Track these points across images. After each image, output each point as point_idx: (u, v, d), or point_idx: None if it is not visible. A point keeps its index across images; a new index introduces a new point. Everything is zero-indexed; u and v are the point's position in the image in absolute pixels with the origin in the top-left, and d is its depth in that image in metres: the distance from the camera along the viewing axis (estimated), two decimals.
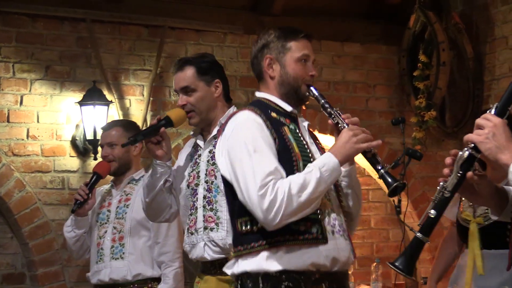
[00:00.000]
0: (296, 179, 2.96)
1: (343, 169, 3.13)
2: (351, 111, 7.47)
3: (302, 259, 3.00)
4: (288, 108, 3.25)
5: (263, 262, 3.03)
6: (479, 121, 2.48)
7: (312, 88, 3.24)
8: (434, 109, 7.11)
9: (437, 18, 7.20)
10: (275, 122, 3.16)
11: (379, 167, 3.07)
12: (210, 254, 3.77)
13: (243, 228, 3.09)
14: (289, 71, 3.23)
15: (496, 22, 6.97)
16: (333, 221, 3.08)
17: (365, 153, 3.10)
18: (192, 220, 3.86)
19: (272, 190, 2.92)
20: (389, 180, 3.03)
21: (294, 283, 3.00)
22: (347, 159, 3.07)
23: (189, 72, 3.92)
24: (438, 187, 2.49)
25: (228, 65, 6.71)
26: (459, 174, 2.49)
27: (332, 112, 3.21)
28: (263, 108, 3.21)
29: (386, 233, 7.58)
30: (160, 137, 3.86)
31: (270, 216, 2.92)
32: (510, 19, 6.92)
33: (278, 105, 3.25)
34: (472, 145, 2.49)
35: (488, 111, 2.52)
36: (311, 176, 2.96)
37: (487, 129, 2.45)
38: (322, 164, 2.99)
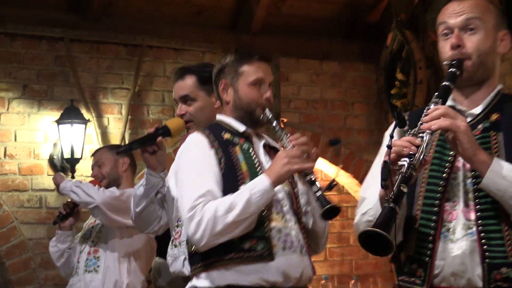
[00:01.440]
0: (224, 201, 2.98)
1: (301, 187, 3.17)
2: (329, 129, 7.58)
3: (249, 276, 3.00)
4: (241, 128, 3.22)
5: (213, 279, 3.06)
6: (448, 110, 2.43)
7: (266, 111, 3.20)
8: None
9: (414, 36, 7.24)
10: (226, 143, 3.16)
11: (315, 189, 3.04)
12: (188, 269, 3.74)
13: (192, 248, 3.12)
14: (242, 96, 3.21)
15: None
16: (284, 237, 3.04)
17: (303, 175, 3.10)
18: (178, 233, 3.81)
19: (199, 212, 2.97)
20: (324, 202, 3.00)
21: None
22: (280, 180, 3.01)
23: (190, 81, 3.79)
24: (405, 163, 2.38)
25: None
26: (423, 154, 2.40)
27: (281, 134, 3.19)
28: (216, 130, 3.22)
29: (365, 250, 7.55)
30: (156, 146, 3.79)
31: (197, 237, 2.98)
32: None
33: (231, 126, 3.24)
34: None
35: (433, 105, 2.48)
36: (239, 198, 2.96)
37: (463, 122, 2.43)
38: (253, 186, 2.98)
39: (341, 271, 7.29)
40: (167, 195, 3.81)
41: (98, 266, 4.74)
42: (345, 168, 7.33)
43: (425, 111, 2.47)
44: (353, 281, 6.73)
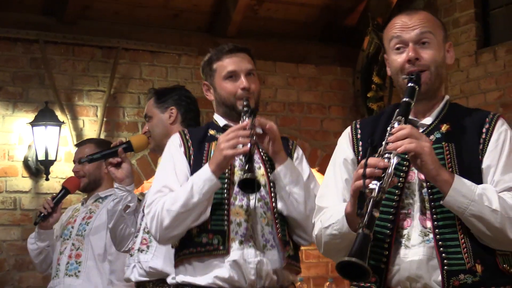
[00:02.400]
0: (171, 194, 3.03)
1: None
2: (306, 132, 7.59)
3: (206, 274, 3.02)
4: (222, 123, 3.26)
5: (181, 275, 3.11)
6: (413, 131, 2.46)
7: (243, 100, 3.17)
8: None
9: None
10: (207, 139, 3.20)
11: (243, 162, 2.98)
12: (135, 276, 3.77)
13: (174, 244, 3.17)
14: (220, 92, 3.24)
15: None
16: (243, 230, 3.04)
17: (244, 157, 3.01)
18: (134, 242, 3.86)
19: (154, 208, 3.04)
20: (246, 173, 2.90)
21: None
22: (220, 166, 2.98)
23: (150, 100, 4.00)
24: (374, 187, 2.39)
25: None
26: (391, 177, 2.42)
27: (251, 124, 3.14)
28: (204, 127, 3.30)
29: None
30: (120, 159, 3.87)
31: (152, 233, 3.07)
32: (461, 41, 7.02)
33: (217, 122, 3.29)
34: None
35: (397, 124, 2.49)
36: (183, 189, 3.00)
37: (428, 143, 2.46)
38: (196, 176, 3.01)
39: (317, 273, 7.30)
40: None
41: (79, 271, 4.72)
42: (322, 171, 7.33)
43: (388, 129, 2.49)
44: (328, 283, 6.74)
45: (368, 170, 2.38)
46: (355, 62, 7.58)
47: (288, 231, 3.16)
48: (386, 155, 2.41)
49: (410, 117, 2.62)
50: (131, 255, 3.84)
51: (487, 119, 2.64)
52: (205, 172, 3.00)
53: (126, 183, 3.89)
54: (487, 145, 2.59)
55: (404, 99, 2.55)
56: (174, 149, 3.20)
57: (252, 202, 3.11)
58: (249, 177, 2.87)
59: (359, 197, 2.41)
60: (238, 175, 3.10)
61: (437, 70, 2.64)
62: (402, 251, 2.53)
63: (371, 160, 2.40)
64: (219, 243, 3.02)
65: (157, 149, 3.96)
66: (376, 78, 7.31)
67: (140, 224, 3.86)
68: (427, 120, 2.66)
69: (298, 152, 3.34)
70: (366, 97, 7.39)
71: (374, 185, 2.35)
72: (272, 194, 3.13)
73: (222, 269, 3.01)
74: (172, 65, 6.87)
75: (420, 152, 2.41)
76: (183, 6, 6.94)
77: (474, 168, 2.56)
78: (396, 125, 2.48)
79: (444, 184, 2.45)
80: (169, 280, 3.24)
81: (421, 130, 2.62)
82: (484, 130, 2.61)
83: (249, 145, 2.94)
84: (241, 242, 3.03)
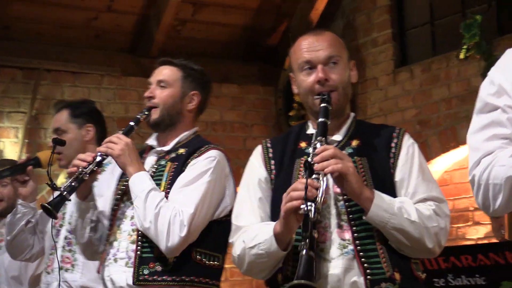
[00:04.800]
0: None
1: None
2: (229, 151, 7.58)
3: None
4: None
5: None
6: (336, 151, 2.49)
7: (143, 110, 3.27)
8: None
9: None
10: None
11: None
12: None
13: None
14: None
15: (367, 63, 7.20)
16: (113, 249, 3.12)
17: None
18: (51, 260, 3.83)
19: None
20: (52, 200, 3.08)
21: None
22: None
23: (64, 114, 3.92)
24: (310, 208, 2.39)
25: (105, 106, 6.66)
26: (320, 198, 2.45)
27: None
28: None
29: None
30: (27, 176, 3.82)
31: None
32: (380, 60, 7.16)
33: None
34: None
35: (319, 144, 2.52)
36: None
37: (351, 163, 2.50)
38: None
39: None
40: (42, 224, 3.89)
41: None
42: None
43: (311, 150, 2.52)
44: None
45: (299, 193, 2.40)
46: (277, 81, 7.64)
47: None
48: (314, 176, 2.44)
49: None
50: (48, 273, 3.81)
51: (395, 134, 2.72)
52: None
53: (30, 200, 3.89)
54: (398, 159, 2.67)
55: (321, 119, 2.59)
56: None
57: (126, 220, 3.15)
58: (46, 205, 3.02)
59: (304, 221, 2.39)
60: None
61: (344, 90, 2.70)
62: (323, 265, 2.55)
63: (301, 182, 2.43)
64: (99, 262, 3.21)
65: (69, 165, 3.93)
66: (298, 97, 7.36)
67: (56, 242, 3.81)
68: (337, 137, 2.71)
69: (201, 158, 3.20)
70: (288, 116, 7.45)
71: (310, 206, 2.38)
72: None
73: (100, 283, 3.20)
74: (94, 86, 6.82)
75: (346, 173, 2.46)
76: (105, 27, 6.90)
77: (387, 181, 2.63)
78: (318, 145, 2.51)
79: (366, 201, 2.50)
80: None
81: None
82: (393, 144, 2.69)
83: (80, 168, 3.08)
84: (108, 259, 3.12)
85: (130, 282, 3.03)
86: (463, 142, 6.30)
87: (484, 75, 6.21)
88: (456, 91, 6.44)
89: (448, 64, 6.53)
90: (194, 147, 3.21)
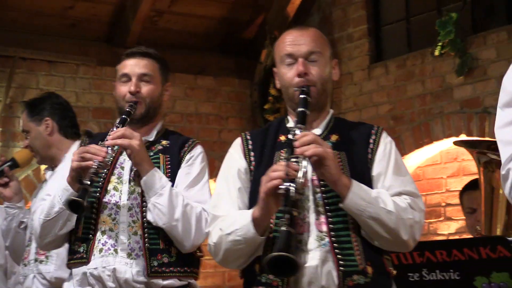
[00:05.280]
0: (44, 203, 3.13)
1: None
2: (203, 143, 7.55)
3: (74, 279, 3.08)
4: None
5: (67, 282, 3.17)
6: (316, 137, 2.56)
7: (127, 105, 3.19)
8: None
9: None
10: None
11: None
12: (38, 286, 3.73)
13: None
14: (115, 94, 3.31)
15: (342, 58, 7.21)
16: (106, 239, 3.07)
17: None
18: (27, 252, 3.83)
19: (32, 215, 3.24)
20: (79, 195, 2.96)
21: None
22: (71, 177, 3.04)
23: (24, 115, 3.98)
24: (292, 188, 2.46)
25: (80, 96, 6.64)
26: (302, 180, 2.50)
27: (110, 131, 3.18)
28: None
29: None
30: (6, 178, 3.83)
31: (34, 240, 3.24)
32: (355, 55, 7.20)
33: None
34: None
35: (298, 131, 2.57)
36: (49, 199, 3.10)
37: (330, 150, 2.57)
38: (58, 186, 3.09)
39: (214, 283, 7.31)
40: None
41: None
42: None
43: (290, 136, 2.58)
44: None
45: (280, 173, 2.46)
46: (253, 74, 7.64)
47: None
48: (294, 160, 2.50)
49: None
50: (25, 265, 3.80)
51: (373, 131, 2.80)
52: (64, 182, 3.07)
53: (16, 200, 3.89)
54: (375, 154, 2.74)
55: (300, 109, 2.65)
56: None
57: (123, 211, 3.12)
58: (75, 199, 2.93)
59: (285, 200, 2.44)
60: (113, 183, 3.14)
61: (323, 86, 2.76)
62: (301, 255, 2.58)
63: (282, 164, 2.51)
64: (83, 251, 3.07)
65: (44, 162, 3.93)
66: (273, 90, 7.38)
67: (31, 234, 3.81)
68: (317, 131, 2.76)
69: (194, 153, 3.31)
70: (263, 109, 7.46)
71: (290, 186, 2.43)
72: (144, 204, 3.13)
73: (84, 277, 3.06)
74: (70, 75, 6.77)
75: (325, 157, 2.52)
76: (81, 16, 6.85)
77: (365, 175, 2.69)
78: (298, 132, 2.57)
79: (343, 188, 2.55)
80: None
81: None
82: (371, 141, 2.77)
83: (96, 162, 2.98)
84: (101, 250, 3.06)
85: (136, 274, 3.04)
86: (436, 138, 6.36)
87: (458, 72, 6.31)
88: (431, 87, 6.49)
89: (423, 60, 6.58)
90: (178, 140, 3.24)
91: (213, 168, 7.45)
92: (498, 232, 3.84)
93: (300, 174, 2.46)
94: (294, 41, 2.77)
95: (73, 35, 6.87)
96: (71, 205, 2.89)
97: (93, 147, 3.02)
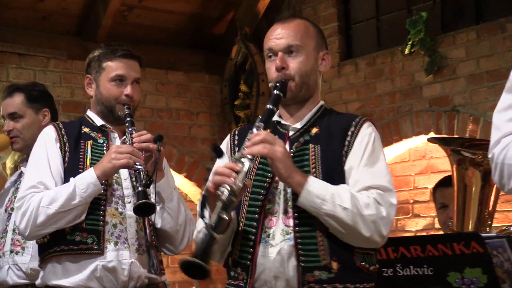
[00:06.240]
0: (50, 192, 3.02)
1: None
2: (174, 138, 7.58)
3: (77, 271, 3.03)
4: (99, 123, 3.26)
5: (49, 276, 3.09)
6: (268, 136, 2.56)
7: (125, 107, 3.20)
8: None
9: (257, 50, 7.39)
10: (83, 137, 3.20)
11: (137, 185, 3.02)
12: (12, 278, 3.72)
13: (40, 240, 3.14)
14: (102, 92, 3.24)
15: None
16: (119, 232, 3.07)
17: (132, 171, 3.08)
18: (1, 243, 3.79)
19: (26, 203, 3.02)
20: (140, 197, 2.98)
21: None
22: (106, 173, 3.03)
23: (18, 99, 3.89)
24: (225, 190, 2.49)
25: (51, 89, 6.45)
26: (244, 181, 2.52)
27: (127, 131, 3.18)
28: (76, 123, 3.27)
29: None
30: None
31: (21, 228, 3.04)
32: None
33: (92, 120, 3.27)
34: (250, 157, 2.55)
35: (255, 129, 2.59)
36: (65, 189, 3.00)
37: (281, 148, 2.55)
38: (80, 178, 3.02)
39: (183, 277, 7.20)
40: None
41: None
42: (189, 177, 7.36)
43: (248, 135, 2.58)
44: (194, 287, 6.76)
45: (218, 177, 2.49)
46: (223, 70, 7.64)
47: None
48: (242, 159, 2.51)
49: (284, 122, 2.76)
50: (0, 256, 3.77)
51: (353, 123, 2.72)
52: (91, 175, 3.01)
53: None
54: (351, 147, 2.68)
55: (267, 106, 2.66)
56: (50, 144, 3.17)
57: (128, 206, 3.12)
58: (145, 201, 2.95)
59: (201, 201, 2.52)
60: (114, 177, 3.12)
61: (302, 79, 2.71)
62: (268, 249, 2.61)
63: (227, 165, 2.52)
64: (93, 243, 3.03)
65: (25, 150, 3.88)
66: (243, 87, 7.40)
67: (6, 225, 3.78)
68: (298, 125, 2.75)
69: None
70: (234, 105, 7.47)
71: (224, 188, 2.45)
72: None
73: (95, 269, 3.02)
74: (40, 69, 6.70)
75: (272, 157, 2.52)
76: (52, 9, 6.79)
77: (338, 169, 2.65)
78: (255, 130, 2.58)
79: (297, 186, 2.55)
80: (37, 282, 3.18)
81: (292, 133, 2.73)
82: (349, 133, 2.69)
83: (141, 166, 3.02)
84: (116, 243, 3.06)
85: (146, 269, 3.10)
86: (405, 135, 6.41)
87: (427, 71, 6.36)
88: (400, 85, 6.54)
89: (393, 59, 6.62)
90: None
91: (183, 163, 7.49)
92: (470, 228, 3.90)
93: (240, 176, 2.47)
94: (275, 35, 2.75)
95: (43, 28, 6.81)
96: (140, 207, 2.95)
97: (134, 149, 3.05)
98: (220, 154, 2.70)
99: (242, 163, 2.49)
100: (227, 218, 2.44)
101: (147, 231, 3.15)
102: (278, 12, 7.68)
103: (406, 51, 6.36)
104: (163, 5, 7.29)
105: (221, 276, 7.68)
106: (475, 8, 6.21)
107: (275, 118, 2.77)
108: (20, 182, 3.89)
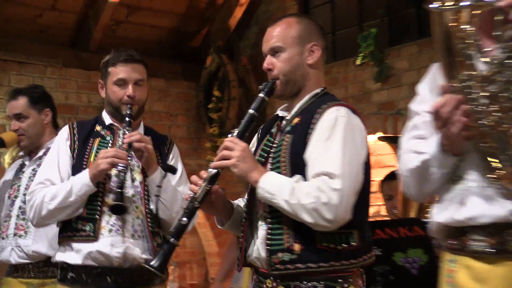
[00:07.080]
0: (53, 189, 3.03)
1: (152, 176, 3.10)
2: None
3: (78, 254, 3.04)
4: (108, 121, 3.22)
5: (59, 254, 3.11)
6: (228, 143, 2.50)
7: (128, 107, 3.13)
8: (225, 136, 7.24)
9: (229, 60, 7.40)
10: (94, 134, 3.17)
11: (117, 185, 2.99)
12: (15, 258, 3.70)
13: (59, 225, 3.16)
14: (109, 94, 3.20)
15: None
16: (114, 221, 3.05)
17: (117, 171, 3.02)
18: (6, 227, 3.78)
19: (34, 197, 3.05)
20: (116, 198, 2.96)
21: (77, 274, 3.04)
22: (96, 176, 2.99)
23: (22, 101, 3.86)
24: (188, 198, 2.51)
25: None
26: (207, 188, 2.52)
27: (122, 131, 3.12)
28: (91, 122, 3.25)
29: (183, 240, 7.54)
30: None
31: (30, 218, 3.10)
32: None
33: (104, 119, 3.23)
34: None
35: (230, 135, 2.54)
36: (63, 188, 3.01)
37: (237, 152, 2.48)
38: (77, 179, 3.02)
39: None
40: (1, 196, 3.81)
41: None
42: None
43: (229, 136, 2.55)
44: (172, 267, 6.76)
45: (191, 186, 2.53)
46: (199, 78, 7.65)
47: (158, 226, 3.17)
48: (209, 169, 2.52)
49: (281, 113, 2.64)
50: (2, 238, 3.75)
51: (320, 110, 2.48)
52: (84, 177, 3.01)
53: None
54: (313, 134, 2.46)
55: (249, 111, 2.58)
56: (61, 143, 3.16)
57: (127, 195, 3.09)
58: (118, 203, 2.96)
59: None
60: (113, 169, 3.05)
61: (286, 77, 2.56)
62: (253, 233, 2.58)
63: (200, 174, 2.54)
64: (90, 230, 3.03)
65: (30, 147, 3.87)
66: (216, 92, 7.41)
67: (10, 211, 3.77)
68: (289, 116, 2.60)
69: (174, 152, 3.32)
70: (208, 108, 7.48)
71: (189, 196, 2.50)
72: (146, 192, 3.13)
73: (90, 252, 3.02)
74: (38, 75, 6.65)
75: (231, 168, 2.48)
76: (49, 23, 6.77)
77: (300, 158, 2.46)
78: (236, 133, 2.53)
79: (254, 184, 2.48)
80: (54, 259, 3.18)
81: (283, 124, 2.61)
82: (314, 120, 2.47)
83: (123, 167, 2.97)
84: (110, 231, 3.04)
85: (141, 252, 3.07)
86: None
87: (376, 79, 6.38)
88: (352, 92, 6.58)
89: (346, 69, 6.67)
90: (157, 137, 3.36)
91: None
92: (412, 215, 3.94)
93: (204, 184, 2.52)
94: (264, 39, 2.63)
95: (41, 40, 6.77)
96: (115, 207, 2.96)
97: (119, 152, 2.98)
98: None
99: (209, 172, 2.50)
100: (186, 223, 2.46)
101: (145, 219, 3.11)
102: (247, 27, 7.71)
103: (358, 62, 6.41)
104: (147, 20, 7.29)
105: (195, 257, 7.71)
106: (417, 25, 6.28)
107: (277, 111, 2.67)
108: (22, 173, 3.88)
